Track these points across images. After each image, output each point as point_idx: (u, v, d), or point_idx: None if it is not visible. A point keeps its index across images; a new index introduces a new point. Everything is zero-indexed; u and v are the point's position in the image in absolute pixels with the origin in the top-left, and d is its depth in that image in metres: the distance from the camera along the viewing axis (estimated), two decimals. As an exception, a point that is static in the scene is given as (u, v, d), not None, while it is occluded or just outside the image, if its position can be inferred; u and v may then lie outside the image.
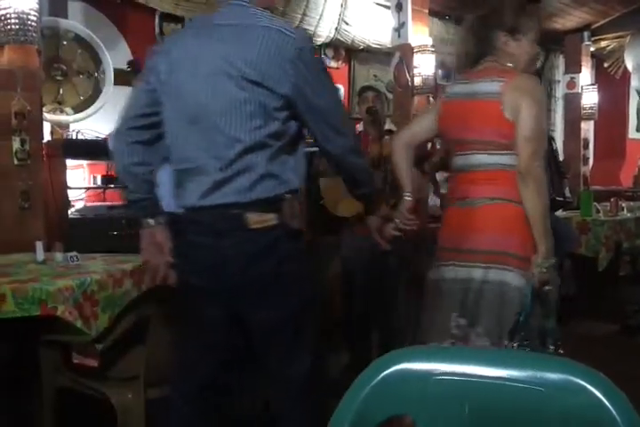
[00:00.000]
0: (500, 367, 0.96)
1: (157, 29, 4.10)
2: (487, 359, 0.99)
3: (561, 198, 3.49)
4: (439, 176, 5.37)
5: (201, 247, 1.57)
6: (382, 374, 1.00)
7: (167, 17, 4.10)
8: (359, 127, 3.39)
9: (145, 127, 1.65)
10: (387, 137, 3.23)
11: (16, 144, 2.89)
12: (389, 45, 4.83)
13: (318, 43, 4.79)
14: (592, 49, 6.15)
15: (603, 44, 6.25)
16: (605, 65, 6.43)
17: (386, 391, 0.99)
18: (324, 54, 5.08)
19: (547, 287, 1.85)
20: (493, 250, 1.87)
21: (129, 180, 1.73)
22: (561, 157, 3.78)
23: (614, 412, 0.85)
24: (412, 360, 1.01)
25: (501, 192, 1.88)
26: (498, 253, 1.87)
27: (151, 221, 1.67)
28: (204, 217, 1.56)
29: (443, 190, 5.54)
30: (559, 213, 4.03)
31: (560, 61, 6.44)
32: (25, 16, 2.79)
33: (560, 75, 6.40)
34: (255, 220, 1.52)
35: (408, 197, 2.08)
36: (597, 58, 6.50)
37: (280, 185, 1.55)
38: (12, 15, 2.78)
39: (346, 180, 1.78)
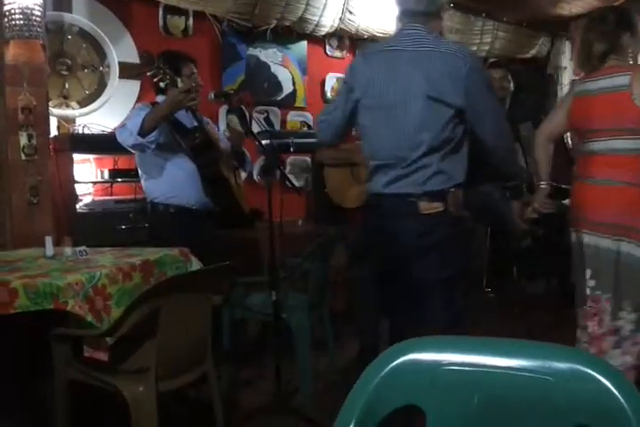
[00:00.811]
0: (508, 357, 0.97)
1: (161, 22, 4.08)
2: (496, 349, 0.99)
3: (566, 185, 3.50)
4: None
5: (380, 224, 2.00)
6: (391, 365, 1.00)
7: (171, 9, 4.09)
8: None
9: (347, 133, 2.21)
10: None
11: (23, 139, 2.91)
12: (394, 34, 4.80)
13: (322, 33, 4.77)
14: (599, 34, 6.10)
15: (610, 29, 6.19)
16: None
17: (395, 382, 0.99)
18: (329, 44, 5.06)
19: None
20: (623, 224, 2.23)
21: None
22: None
23: (622, 401, 0.86)
24: (421, 351, 1.02)
25: (631, 175, 2.22)
26: (626, 228, 2.22)
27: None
28: (385, 202, 1.99)
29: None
30: (567, 201, 4.02)
31: (566, 47, 6.37)
32: (29, 11, 2.80)
33: (566, 61, 6.34)
34: (425, 207, 1.93)
35: (544, 186, 2.51)
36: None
37: (448, 180, 1.94)
38: (17, 10, 2.78)
39: (501, 172, 2.23)
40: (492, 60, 5.01)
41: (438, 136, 1.90)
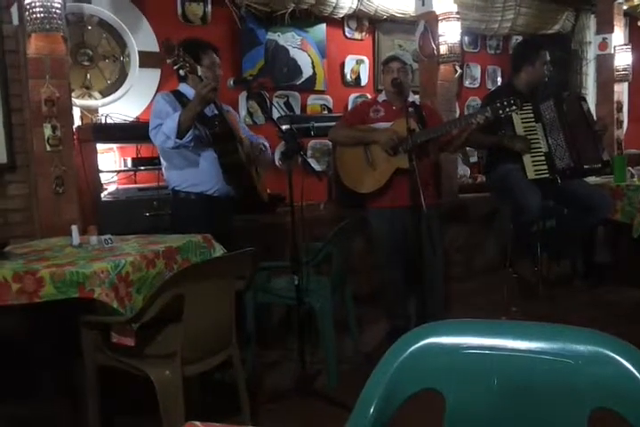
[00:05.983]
0: (528, 340, 0.96)
1: (180, 10, 4.08)
2: (515, 333, 0.99)
3: (590, 166, 3.42)
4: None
5: None
6: (411, 349, 1.01)
7: (189, -3, 4.08)
8: (381, 97, 3.32)
9: None
10: (410, 109, 3.17)
11: (48, 131, 2.95)
12: (413, 14, 4.73)
13: (340, 15, 4.72)
14: (625, 7, 5.90)
15: (636, 1, 5.98)
16: (639, 24, 6.19)
17: (414, 366, 1.00)
18: (348, 26, 5.01)
19: None
20: None
21: None
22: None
23: (644, 382, 0.85)
24: (440, 334, 1.02)
25: None
26: None
27: None
28: None
29: (472, 159, 5.48)
30: (592, 179, 3.95)
31: (591, 22, 6.20)
32: (49, 4, 2.80)
33: (591, 36, 6.17)
34: None
35: None
36: (630, 17, 6.25)
37: None
38: (37, 4, 2.79)
39: None
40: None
41: None
